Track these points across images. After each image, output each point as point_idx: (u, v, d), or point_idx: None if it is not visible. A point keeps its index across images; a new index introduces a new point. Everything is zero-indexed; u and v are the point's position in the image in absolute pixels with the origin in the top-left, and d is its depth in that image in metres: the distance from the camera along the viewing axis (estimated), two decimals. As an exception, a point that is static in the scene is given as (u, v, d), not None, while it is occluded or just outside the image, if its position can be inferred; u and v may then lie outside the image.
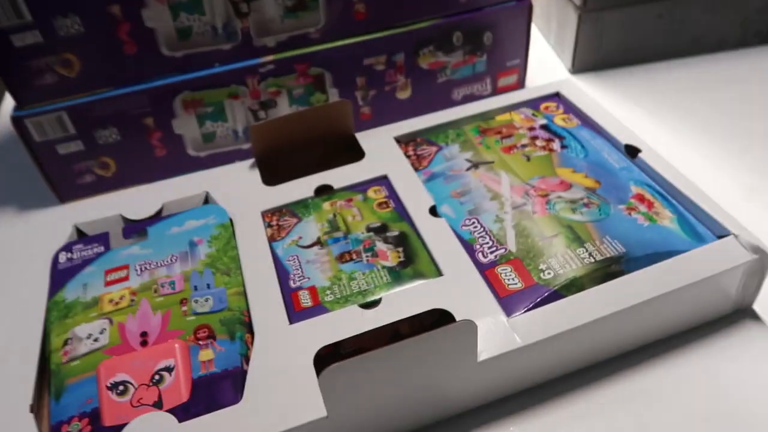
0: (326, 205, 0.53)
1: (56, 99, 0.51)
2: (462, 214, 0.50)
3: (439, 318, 0.43)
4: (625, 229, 0.46)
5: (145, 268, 0.48)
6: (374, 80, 0.62)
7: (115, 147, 0.57)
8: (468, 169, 0.55)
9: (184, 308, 0.44)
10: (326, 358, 0.41)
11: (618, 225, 0.47)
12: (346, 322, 0.42)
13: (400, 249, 0.47)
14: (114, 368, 0.40)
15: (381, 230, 0.49)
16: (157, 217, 0.54)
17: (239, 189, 0.55)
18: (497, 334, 0.40)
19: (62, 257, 0.49)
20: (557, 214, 0.48)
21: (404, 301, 0.43)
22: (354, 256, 0.47)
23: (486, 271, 0.45)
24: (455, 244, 0.47)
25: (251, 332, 0.43)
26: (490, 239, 0.47)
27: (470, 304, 0.42)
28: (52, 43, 0.48)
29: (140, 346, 0.42)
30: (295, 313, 0.43)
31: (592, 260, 0.44)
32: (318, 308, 0.44)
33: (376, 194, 0.53)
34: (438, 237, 0.48)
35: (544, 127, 0.58)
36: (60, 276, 0.48)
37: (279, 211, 0.52)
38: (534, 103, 0.62)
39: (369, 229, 0.50)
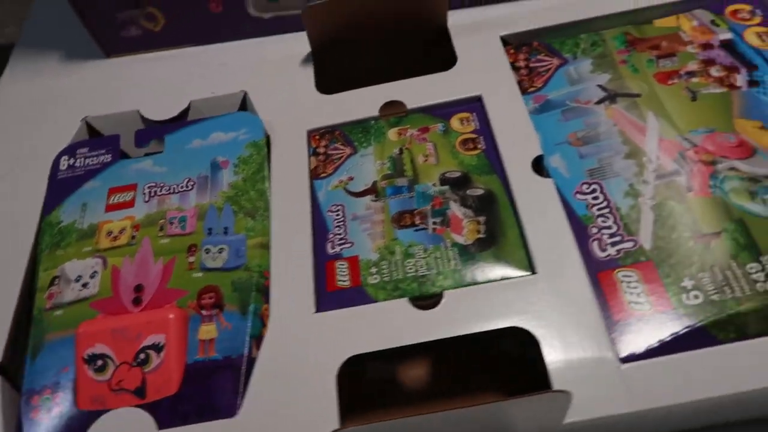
0: (393, 134, 0.39)
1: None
2: (579, 173, 0.35)
3: (512, 336, 0.30)
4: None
5: (155, 192, 0.38)
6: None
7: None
8: (600, 102, 0.38)
9: (191, 259, 0.35)
10: (355, 367, 0.30)
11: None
12: (389, 324, 0.31)
13: (482, 218, 0.34)
14: (94, 336, 0.32)
15: (460, 184, 0.36)
16: (181, 119, 0.42)
17: (285, 92, 0.42)
18: (600, 384, 0.28)
19: (63, 163, 0.40)
20: (725, 197, 0.32)
21: (474, 304, 0.31)
22: (417, 220, 0.35)
23: (600, 273, 0.31)
24: (561, 223, 0.33)
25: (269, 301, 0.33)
26: (615, 222, 0.33)
27: (566, 328, 0.29)
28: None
29: (132, 305, 0.33)
30: (327, 294, 0.33)
31: (771, 288, 0.29)
32: (356, 292, 0.32)
33: (462, 125, 0.38)
34: (539, 207, 0.34)
35: (727, 45, 0.39)
36: (58, 188, 0.39)
37: (330, 133, 0.40)
38: (718, 2, 0.42)
39: (444, 180, 0.36)
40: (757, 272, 0.30)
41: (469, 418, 0.24)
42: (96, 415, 0.30)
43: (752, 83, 0.37)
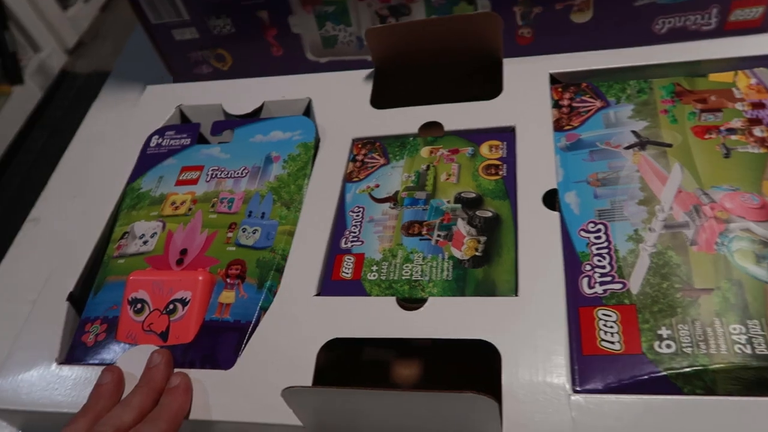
0: (425, 151, 0.42)
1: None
2: (589, 212, 0.36)
3: (482, 353, 0.32)
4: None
5: (216, 175, 0.44)
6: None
7: (230, 39, 0.52)
8: (629, 147, 0.39)
9: (230, 234, 0.40)
10: (336, 347, 0.34)
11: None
12: (376, 317, 0.34)
13: (483, 239, 0.36)
14: (139, 283, 0.38)
15: (472, 204, 0.38)
16: (254, 115, 0.49)
17: (343, 104, 0.47)
18: (547, 407, 0.29)
19: (153, 141, 0.48)
20: (729, 256, 0.32)
21: (453, 314, 0.33)
22: (424, 230, 0.38)
23: (582, 308, 0.32)
24: (557, 255, 0.34)
25: None
26: (610, 263, 0.34)
27: (531, 350, 0.31)
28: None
29: (176, 265, 0.40)
30: (330, 282, 0.37)
31: (752, 352, 0.29)
32: (355, 285, 0.36)
33: (490, 152, 0.41)
34: (539, 237, 0.35)
35: (780, 106, 0.38)
36: (145, 161, 0.47)
37: (371, 143, 0.44)
38: (783, 63, 0.40)
39: (458, 199, 0.39)
40: (739, 334, 0.29)
41: (397, 403, 0.26)
42: (128, 347, 0.36)
43: (795, 148, 0.36)
